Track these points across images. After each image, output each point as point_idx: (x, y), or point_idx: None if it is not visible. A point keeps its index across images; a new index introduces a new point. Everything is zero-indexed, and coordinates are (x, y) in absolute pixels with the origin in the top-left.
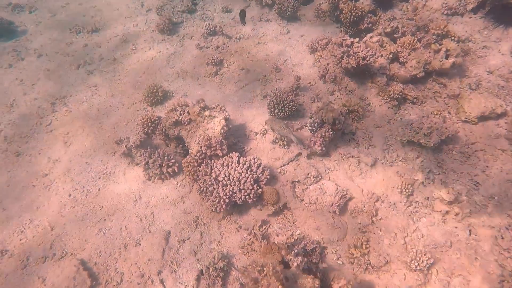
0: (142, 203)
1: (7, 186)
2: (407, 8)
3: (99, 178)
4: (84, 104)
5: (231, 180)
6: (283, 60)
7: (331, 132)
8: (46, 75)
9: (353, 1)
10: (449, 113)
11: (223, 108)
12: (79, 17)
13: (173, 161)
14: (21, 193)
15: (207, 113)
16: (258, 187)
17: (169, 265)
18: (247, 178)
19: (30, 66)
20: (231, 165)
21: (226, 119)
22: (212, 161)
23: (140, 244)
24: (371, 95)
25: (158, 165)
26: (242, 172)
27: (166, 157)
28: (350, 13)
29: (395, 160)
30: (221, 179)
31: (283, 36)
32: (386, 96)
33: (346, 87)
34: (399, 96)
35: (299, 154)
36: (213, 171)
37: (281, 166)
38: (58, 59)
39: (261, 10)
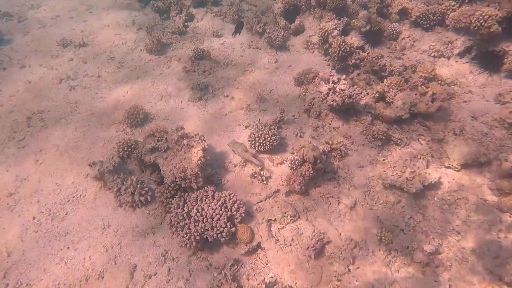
0: (110, 231)
1: None
2: (395, 47)
3: (68, 201)
4: (61, 120)
5: (204, 217)
6: (269, 90)
7: (312, 172)
8: (26, 88)
9: (343, 36)
10: (432, 156)
11: (202, 138)
12: (68, 30)
13: (146, 189)
14: None
15: (185, 141)
16: (231, 225)
17: None
18: (220, 215)
19: (11, 77)
20: (205, 200)
21: (204, 150)
22: (186, 193)
23: (103, 278)
24: (355, 134)
25: (130, 193)
26: (216, 208)
27: (139, 185)
28: (338, 48)
29: (376, 203)
30: (193, 214)
31: (271, 65)
32: (370, 135)
33: (330, 124)
34: (383, 137)
35: (277, 191)
36: (186, 205)
37: (258, 202)
38: (41, 72)
39: (251, 37)
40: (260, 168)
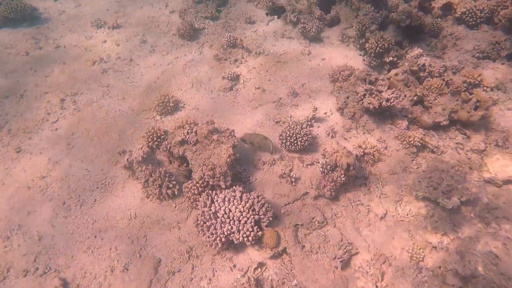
0: (137, 223)
1: (1, 184)
2: (436, 45)
3: (97, 188)
4: (93, 104)
5: (231, 219)
6: (301, 84)
7: (344, 178)
8: (61, 69)
9: (381, 31)
10: (470, 168)
11: (232, 133)
12: (103, 11)
13: (174, 182)
14: (14, 194)
15: (215, 137)
16: (258, 229)
17: None
18: (248, 219)
19: (46, 57)
20: (233, 201)
21: (234, 147)
22: (214, 192)
23: (127, 270)
24: (389, 138)
25: (158, 185)
26: (244, 211)
27: (167, 177)
28: (376, 44)
29: (407, 214)
30: (221, 215)
31: (304, 57)
32: (405, 141)
33: (364, 126)
34: (419, 143)
35: (306, 193)
36: (213, 204)
37: (285, 205)
38: (75, 53)
39: (285, 26)
40: (287, 167)
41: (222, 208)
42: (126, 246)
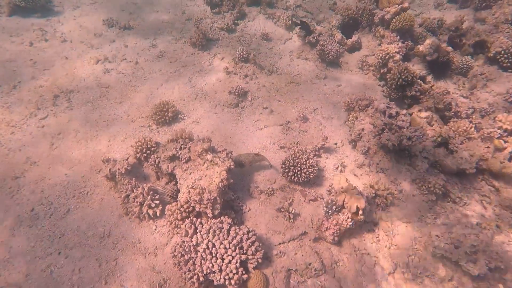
0: (109, 242)
1: None
2: (464, 84)
3: (73, 196)
4: (88, 104)
5: (213, 255)
6: (312, 109)
7: (350, 223)
8: (62, 64)
9: (405, 62)
10: (498, 227)
11: (229, 155)
12: (118, 11)
13: (156, 201)
14: None
15: (209, 156)
16: (243, 272)
17: None
18: (233, 258)
19: (50, 49)
20: (219, 234)
21: (229, 171)
22: (199, 220)
23: None
24: (405, 181)
25: (138, 203)
26: (229, 248)
27: (150, 195)
28: (398, 75)
29: (420, 273)
30: (202, 249)
31: (318, 81)
32: (423, 186)
33: (378, 164)
34: (440, 191)
35: (304, 233)
36: (195, 235)
37: (279, 244)
38: (81, 49)
39: (302, 46)
40: (286, 202)
41: (205, 242)
42: (92, 270)
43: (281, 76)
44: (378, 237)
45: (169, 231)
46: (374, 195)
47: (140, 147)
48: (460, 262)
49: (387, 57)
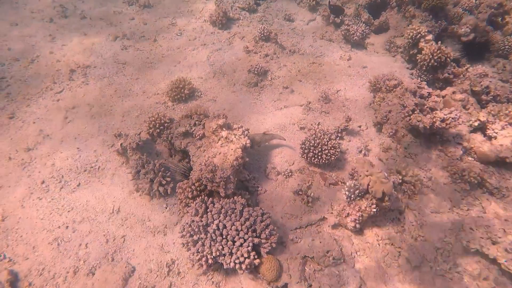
0: (118, 219)
1: None
2: (504, 67)
3: (84, 171)
4: (104, 80)
5: (224, 237)
6: (335, 90)
7: (375, 209)
8: (80, 40)
9: (438, 42)
10: None
11: (245, 133)
12: None
13: (168, 179)
14: None
15: (224, 133)
16: (255, 257)
17: None
18: (245, 241)
19: (69, 26)
20: (231, 215)
21: (245, 149)
22: (210, 199)
23: (93, 274)
24: (435, 167)
25: (149, 179)
26: (241, 230)
27: (161, 172)
28: (431, 56)
29: (450, 269)
30: (211, 230)
31: (342, 62)
32: (456, 174)
33: (406, 148)
34: (475, 180)
35: (323, 219)
36: (205, 215)
37: (296, 229)
38: (99, 26)
39: (326, 27)
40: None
41: (215, 222)
42: (99, 245)
43: (303, 57)
44: (403, 226)
45: (179, 209)
46: (400, 181)
47: (153, 123)
48: (499, 260)
49: (418, 36)
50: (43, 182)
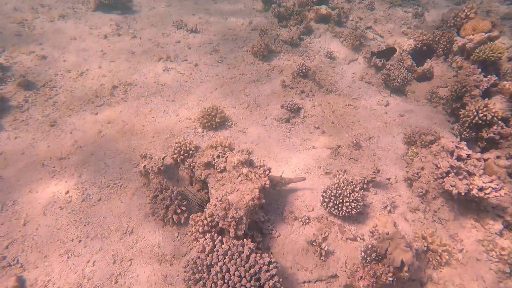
0: (129, 240)
1: (20, 153)
2: None
3: (107, 186)
4: (141, 99)
5: (225, 281)
6: (367, 136)
7: (391, 278)
8: (127, 57)
9: (485, 99)
10: None
11: (267, 172)
12: (189, 15)
13: (183, 208)
14: (26, 166)
15: (244, 170)
16: None
17: None
18: (244, 286)
19: (120, 44)
20: (236, 259)
21: (263, 189)
22: (219, 238)
23: None
24: (469, 239)
25: (165, 205)
26: (244, 277)
27: (177, 200)
28: (475, 112)
29: None
30: (214, 272)
31: (379, 107)
32: (493, 251)
33: (436, 212)
34: None
35: (335, 276)
36: (211, 254)
37: (304, 282)
38: (147, 46)
39: (366, 69)
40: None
41: (219, 264)
42: (106, 265)
43: (339, 97)
44: None
45: (189, 242)
46: (425, 248)
47: (178, 148)
48: None
49: (463, 90)
50: (67, 192)
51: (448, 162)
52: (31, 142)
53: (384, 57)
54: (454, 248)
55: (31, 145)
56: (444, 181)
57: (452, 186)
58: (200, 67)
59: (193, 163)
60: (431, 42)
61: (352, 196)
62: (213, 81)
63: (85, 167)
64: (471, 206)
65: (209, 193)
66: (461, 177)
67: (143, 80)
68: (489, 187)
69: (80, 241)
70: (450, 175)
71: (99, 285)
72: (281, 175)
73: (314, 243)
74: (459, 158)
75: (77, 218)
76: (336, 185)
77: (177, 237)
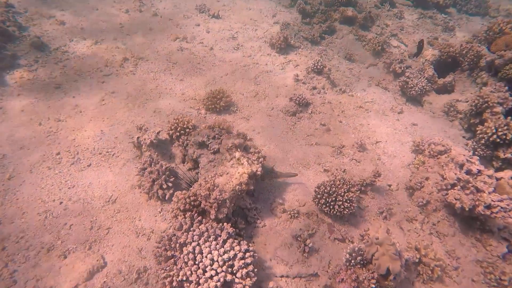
0: (111, 209)
1: (19, 113)
2: None
3: (99, 153)
4: (150, 74)
5: (195, 263)
6: (374, 140)
7: (374, 285)
8: (144, 33)
9: (508, 118)
10: None
11: (261, 159)
12: (213, 1)
13: (170, 184)
14: (25, 135)
15: (237, 154)
16: None
17: None
18: (216, 274)
19: (139, 19)
20: (211, 242)
21: (253, 176)
22: (199, 218)
23: (64, 258)
24: (466, 258)
25: (152, 179)
26: (217, 261)
27: (164, 176)
28: (493, 129)
29: None
30: (186, 252)
31: (392, 114)
32: (492, 275)
33: (434, 225)
34: None
35: (315, 275)
36: (188, 233)
37: (281, 276)
38: (166, 25)
39: (385, 75)
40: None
41: (193, 244)
42: (82, 230)
43: (352, 99)
44: None
45: (171, 220)
46: (417, 260)
47: (175, 125)
48: None
49: (484, 106)
50: (58, 154)
51: (455, 174)
52: (33, 102)
53: (418, 50)
54: (448, 265)
55: (31, 104)
56: (448, 193)
57: (456, 200)
58: (214, 51)
59: (187, 141)
60: (457, 55)
61: (347, 196)
62: (225, 66)
63: (81, 131)
64: (474, 224)
65: (199, 174)
66: (467, 191)
67: (155, 57)
68: (498, 206)
69: (61, 203)
70: (455, 188)
71: (72, 249)
72: (272, 167)
73: (299, 238)
74: (468, 173)
75: (63, 180)
76: (331, 182)
77: (160, 212)
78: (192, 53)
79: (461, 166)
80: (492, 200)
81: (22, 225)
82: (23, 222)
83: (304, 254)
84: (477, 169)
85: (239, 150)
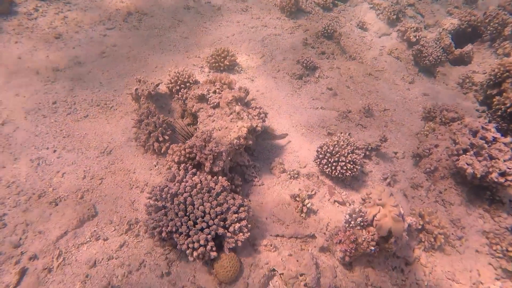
0: (106, 160)
1: (15, 60)
2: None
3: (97, 105)
4: (154, 30)
5: (187, 214)
6: (382, 107)
7: (373, 247)
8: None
9: None
10: None
11: (262, 115)
12: None
13: (167, 137)
14: (17, 80)
15: (237, 108)
16: (213, 248)
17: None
18: (206, 226)
19: None
20: (204, 194)
21: (253, 131)
22: (192, 170)
23: (56, 205)
24: (471, 228)
25: (148, 131)
26: (208, 213)
27: (161, 128)
28: None
29: None
30: (177, 202)
31: (402, 83)
32: (498, 246)
33: (441, 193)
34: None
35: (312, 236)
36: (178, 184)
37: (276, 235)
38: None
39: (398, 44)
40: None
41: (184, 195)
42: (75, 179)
43: (361, 65)
44: (405, 281)
45: (165, 172)
46: (420, 227)
47: (175, 78)
48: None
49: (504, 75)
50: (54, 103)
51: (469, 139)
52: (31, 50)
53: None
54: (452, 234)
55: (29, 52)
56: (459, 158)
57: (467, 165)
58: (222, 12)
59: (187, 95)
60: (479, 24)
61: (350, 157)
62: (232, 26)
63: (79, 83)
64: (484, 194)
65: (197, 129)
66: (480, 158)
67: (161, 13)
68: None
69: (55, 151)
70: (468, 153)
71: (63, 196)
72: (266, 128)
73: (297, 198)
74: (483, 140)
75: (58, 129)
76: (335, 142)
77: (155, 166)
78: (198, 12)
79: (475, 133)
80: (508, 168)
81: (13, 171)
82: (15, 167)
83: (301, 215)
84: (493, 137)
85: (239, 104)
